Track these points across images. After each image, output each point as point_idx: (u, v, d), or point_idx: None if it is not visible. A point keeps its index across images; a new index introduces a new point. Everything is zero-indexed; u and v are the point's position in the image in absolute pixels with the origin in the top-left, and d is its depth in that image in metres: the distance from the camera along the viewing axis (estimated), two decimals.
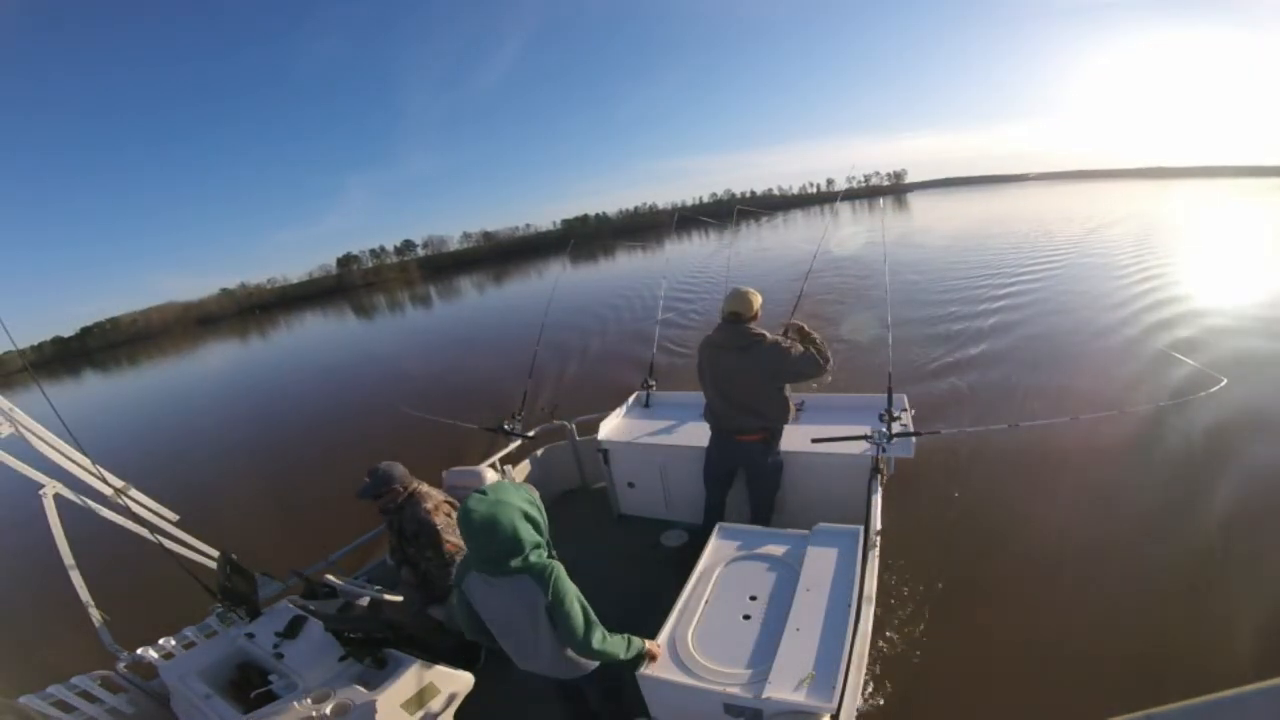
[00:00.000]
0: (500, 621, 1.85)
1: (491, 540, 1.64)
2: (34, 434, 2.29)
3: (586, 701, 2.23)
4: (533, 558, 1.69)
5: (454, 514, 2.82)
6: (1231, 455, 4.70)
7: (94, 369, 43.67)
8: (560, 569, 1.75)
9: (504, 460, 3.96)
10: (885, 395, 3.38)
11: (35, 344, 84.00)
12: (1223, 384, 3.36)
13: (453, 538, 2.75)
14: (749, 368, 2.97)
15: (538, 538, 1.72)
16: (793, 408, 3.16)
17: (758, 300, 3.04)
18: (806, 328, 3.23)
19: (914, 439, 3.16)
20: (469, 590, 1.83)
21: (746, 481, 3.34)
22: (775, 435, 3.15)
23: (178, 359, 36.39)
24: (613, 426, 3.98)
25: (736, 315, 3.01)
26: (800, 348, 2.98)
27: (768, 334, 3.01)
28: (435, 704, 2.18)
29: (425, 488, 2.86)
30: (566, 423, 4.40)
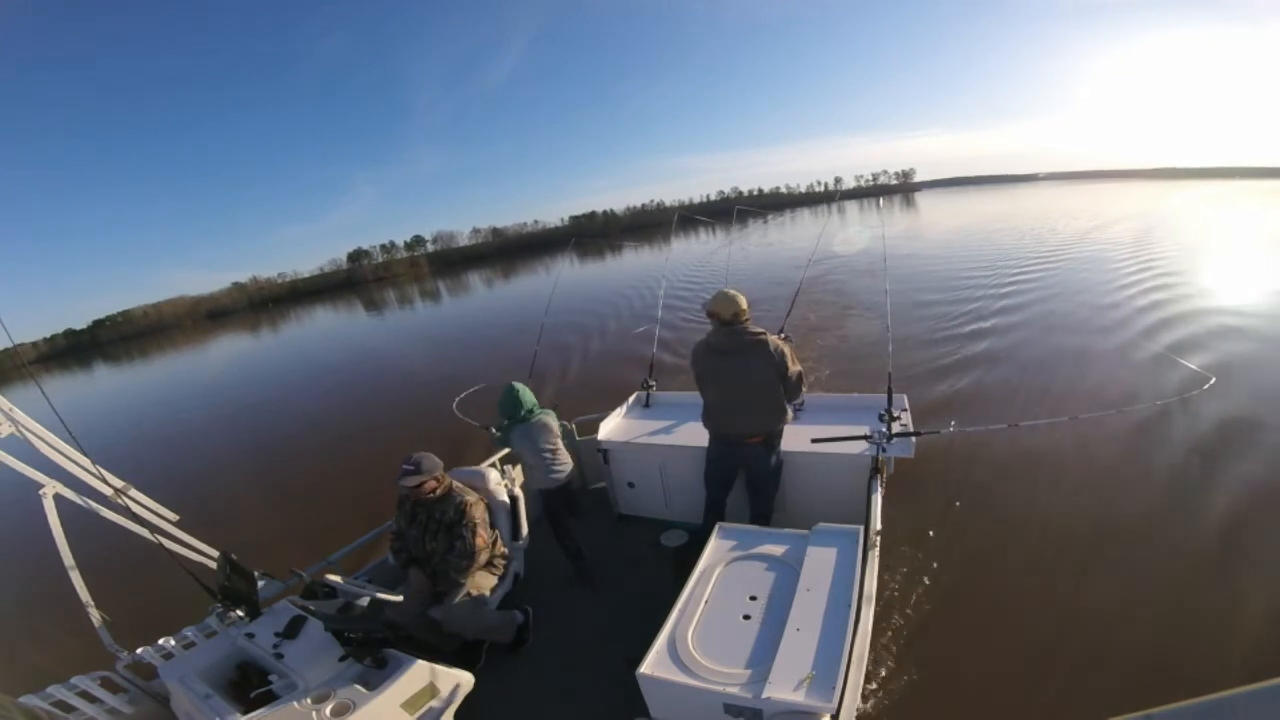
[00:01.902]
0: (536, 448, 3.39)
1: (517, 400, 3.38)
2: (34, 434, 2.29)
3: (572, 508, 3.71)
4: (539, 407, 3.48)
5: (483, 505, 3.02)
6: (1220, 452, 4.75)
7: (105, 361, 44.12)
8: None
9: (504, 460, 3.97)
10: (885, 395, 3.38)
11: (47, 336, 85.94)
12: (1211, 383, 3.43)
13: (484, 533, 2.92)
14: (753, 368, 2.97)
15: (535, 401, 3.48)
16: (790, 409, 3.19)
17: (745, 300, 3.07)
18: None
19: (914, 439, 3.17)
20: (515, 439, 3.41)
21: (746, 482, 3.33)
22: (776, 436, 3.16)
23: (185, 353, 36.70)
24: (613, 426, 3.98)
25: (736, 316, 3.00)
26: (795, 363, 3.04)
27: (769, 334, 3.03)
28: (435, 704, 2.18)
29: (461, 484, 3.00)
30: (566, 423, 4.40)
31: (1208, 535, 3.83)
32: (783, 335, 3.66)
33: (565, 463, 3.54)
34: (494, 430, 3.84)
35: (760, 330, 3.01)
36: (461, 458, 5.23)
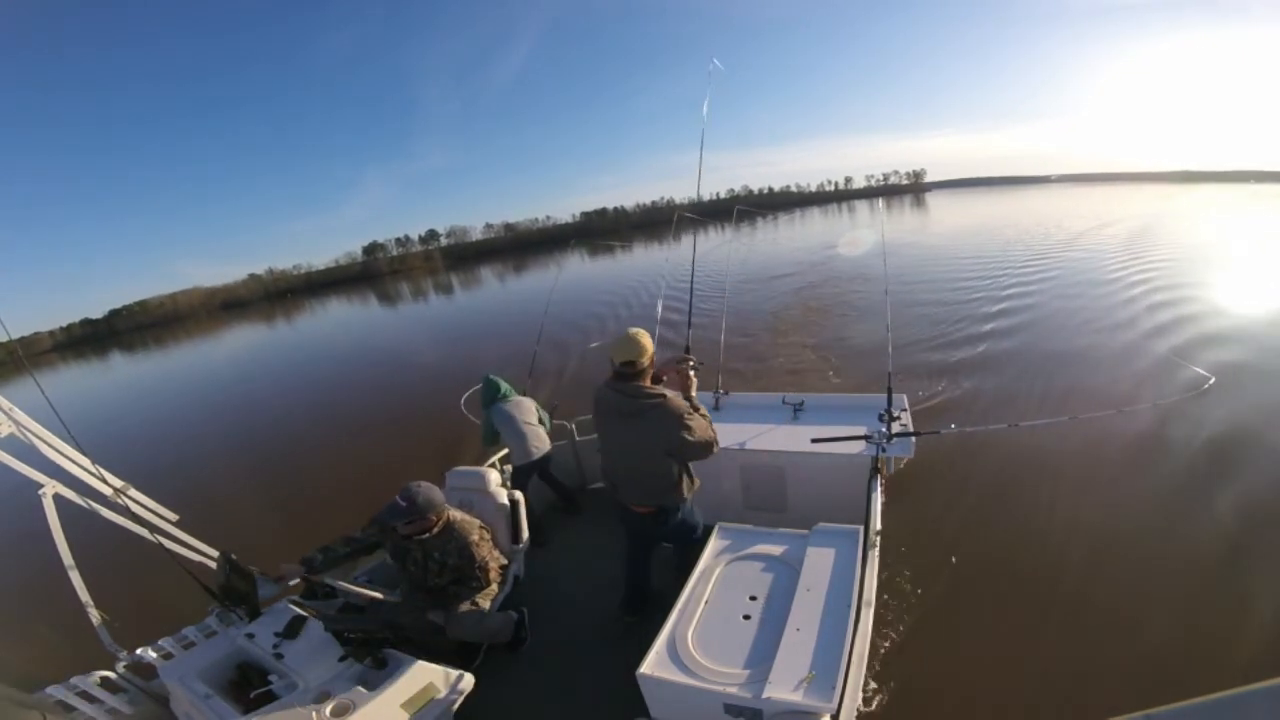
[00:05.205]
0: (517, 422, 3.83)
1: (494, 386, 3.96)
2: (34, 434, 2.29)
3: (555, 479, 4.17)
4: (514, 392, 4.03)
5: (487, 536, 2.88)
6: (1220, 452, 4.75)
7: (121, 350, 44.97)
8: None
9: (504, 460, 3.97)
10: (885, 395, 3.38)
11: (64, 325, 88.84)
12: (1211, 382, 3.43)
13: (493, 564, 2.82)
14: (641, 435, 2.53)
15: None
16: (690, 484, 2.68)
17: (649, 343, 2.55)
18: (691, 375, 2.81)
19: (914, 439, 3.17)
20: (495, 418, 3.87)
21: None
22: (669, 510, 2.70)
23: (197, 345, 37.04)
24: None
25: (630, 365, 2.52)
26: (700, 426, 2.53)
27: (668, 394, 2.54)
28: (435, 704, 2.18)
29: (458, 514, 2.80)
30: (566, 423, 4.40)
31: (1212, 535, 3.83)
32: (690, 365, 2.94)
33: (542, 440, 3.90)
34: (482, 426, 4.01)
35: (657, 393, 2.51)
36: (461, 457, 5.23)
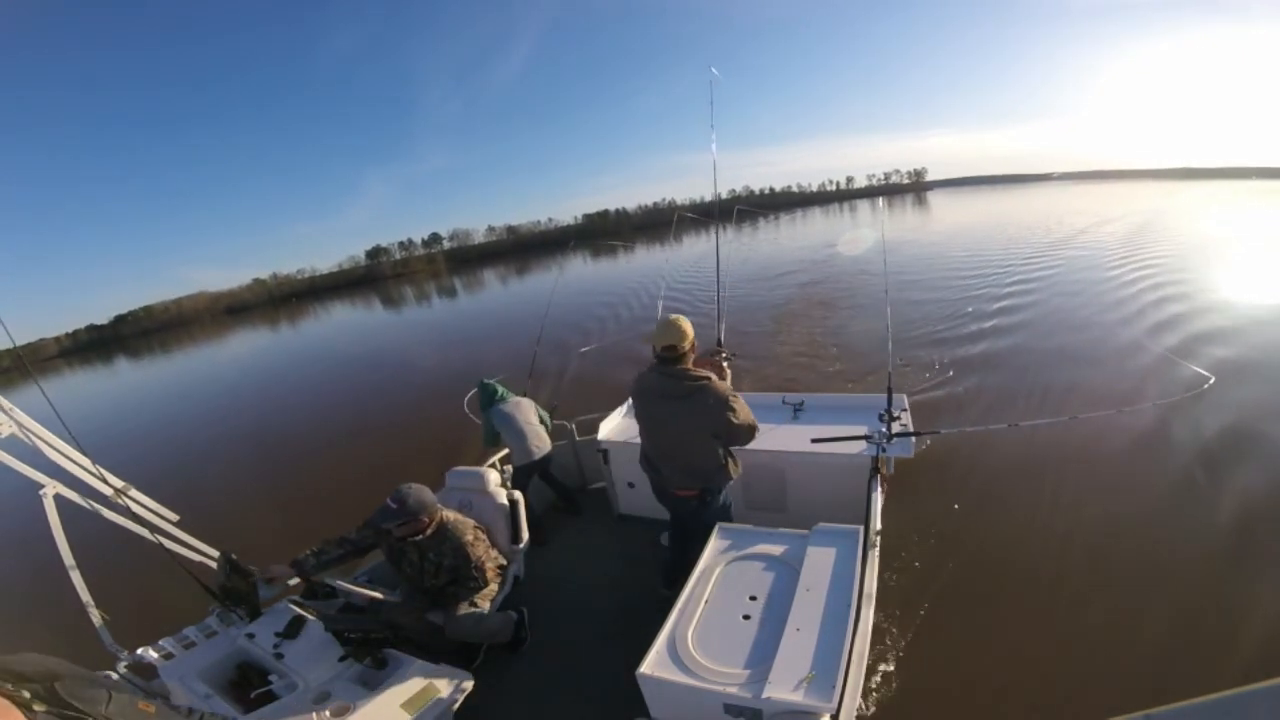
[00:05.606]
0: (516, 422, 3.83)
1: (490, 389, 3.98)
2: (35, 434, 2.29)
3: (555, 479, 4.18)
4: (510, 393, 4.04)
5: (482, 536, 2.88)
6: (1220, 452, 4.75)
7: (126, 355, 45.56)
8: None
9: (504, 460, 3.97)
10: (885, 395, 3.38)
11: (70, 331, 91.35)
12: (1211, 382, 3.44)
13: (490, 564, 2.81)
14: (687, 418, 2.57)
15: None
16: (735, 465, 2.75)
17: (690, 328, 2.60)
18: (725, 368, 3.03)
19: (914, 439, 3.17)
20: (494, 413, 3.88)
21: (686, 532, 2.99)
22: (713, 492, 2.75)
23: (201, 349, 37.32)
24: (613, 426, 3.99)
25: (672, 350, 2.55)
26: (744, 410, 2.60)
27: (713, 377, 2.59)
28: (435, 704, 2.18)
29: (451, 515, 2.80)
30: (566, 423, 4.40)
31: (1211, 535, 3.83)
32: (724, 357, 3.15)
33: (543, 440, 3.91)
34: (483, 427, 4.02)
35: (702, 375, 2.56)
36: (462, 458, 5.23)
